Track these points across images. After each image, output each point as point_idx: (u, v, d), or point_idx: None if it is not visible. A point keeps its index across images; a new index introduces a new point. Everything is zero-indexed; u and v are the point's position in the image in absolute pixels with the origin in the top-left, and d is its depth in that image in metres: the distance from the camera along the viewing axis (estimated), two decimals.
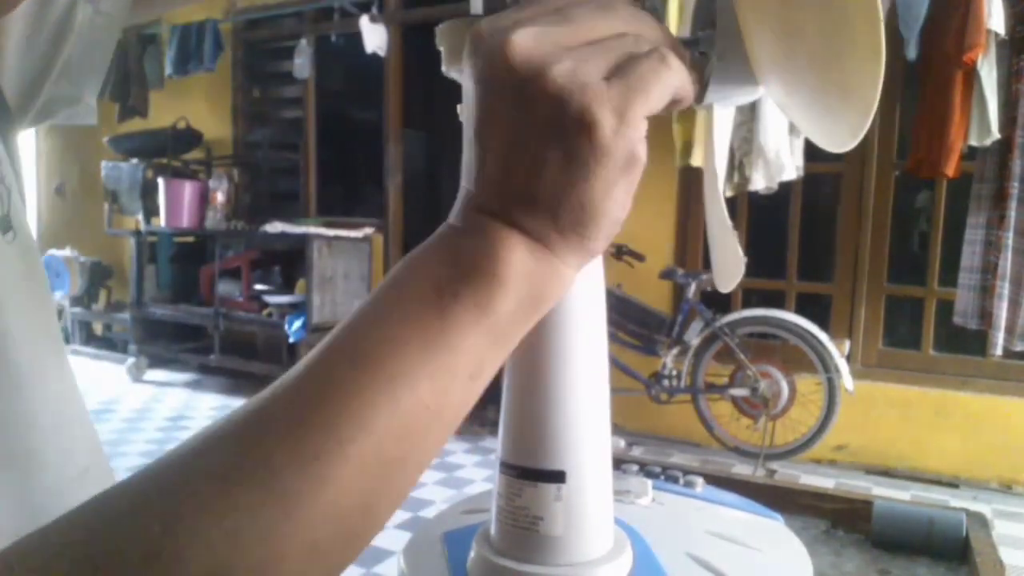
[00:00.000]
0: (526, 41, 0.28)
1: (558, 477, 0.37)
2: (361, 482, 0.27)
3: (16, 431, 0.42)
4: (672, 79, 0.30)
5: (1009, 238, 2.76)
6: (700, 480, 0.54)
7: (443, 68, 0.39)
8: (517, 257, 0.30)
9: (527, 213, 0.30)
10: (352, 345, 0.28)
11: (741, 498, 0.53)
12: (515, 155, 0.29)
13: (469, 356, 0.30)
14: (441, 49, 0.39)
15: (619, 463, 0.65)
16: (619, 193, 0.30)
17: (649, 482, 0.51)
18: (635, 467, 0.62)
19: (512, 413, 0.38)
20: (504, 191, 0.30)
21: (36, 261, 0.47)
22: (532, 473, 0.37)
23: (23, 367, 0.43)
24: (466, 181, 0.31)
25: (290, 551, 0.25)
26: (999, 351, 2.81)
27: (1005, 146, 2.75)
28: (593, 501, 0.38)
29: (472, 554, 0.39)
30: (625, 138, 0.29)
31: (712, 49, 0.39)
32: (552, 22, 0.29)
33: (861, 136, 0.34)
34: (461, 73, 0.33)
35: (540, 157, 0.29)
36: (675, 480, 0.55)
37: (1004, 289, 2.78)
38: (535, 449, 0.37)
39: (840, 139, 0.36)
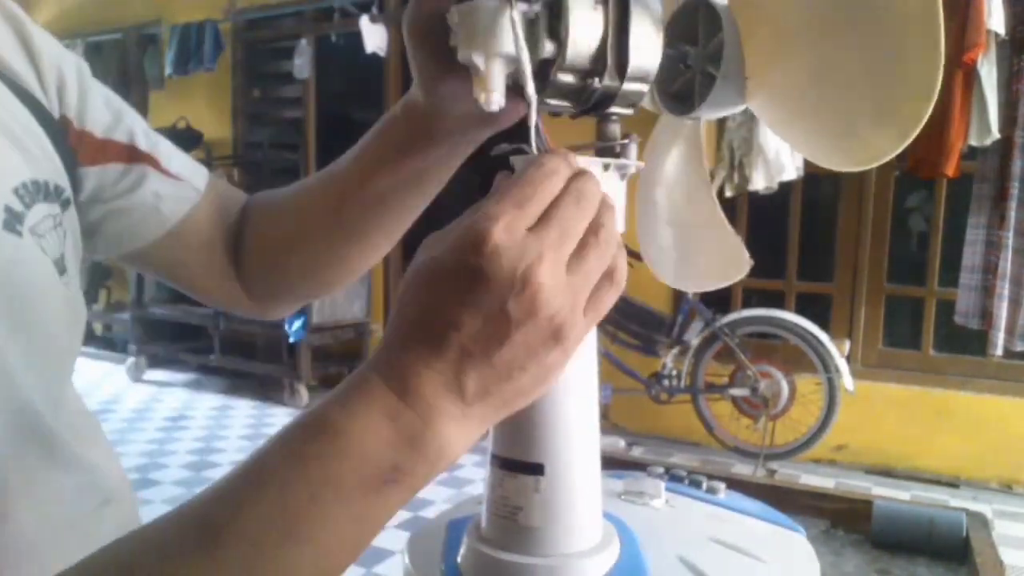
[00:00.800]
0: (548, 279, 0.32)
1: (536, 469, 0.37)
2: None
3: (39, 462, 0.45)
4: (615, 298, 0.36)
5: (1009, 238, 2.76)
6: (722, 486, 0.54)
7: (459, 55, 0.38)
8: (460, 439, 0.33)
9: (481, 403, 0.33)
10: (284, 519, 0.30)
11: (764, 506, 0.52)
12: (501, 348, 0.32)
13: (390, 517, 0.33)
14: (458, 32, 0.37)
15: (643, 466, 0.65)
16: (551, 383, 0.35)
17: (662, 484, 0.51)
18: (659, 470, 0.62)
19: None
20: (477, 377, 0.32)
21: (82, 298, 0.50)
22: (512, 464, 0.38)
23: (45, 415, 0.46)
24: (402, 342, 0.33)
25: None
26: (999, 351, 2.81)
27: (1005, 146, 2.75)
28: (574, 496, 0.38)
29: (463, 541, 0.40)
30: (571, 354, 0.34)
31: (715, 68, 0.43)
32: (573, 271, 0.34)
33: (902, 147, 0.37)
34: (479, 57, 0.36)
35: (521, 364, 0.33)
36: (697, 485, 0.55)
37: (1004, 289, 2.78)
38: (516, 441, 0.38)
39: (866, 155, 0.39)
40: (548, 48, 0.37)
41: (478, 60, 0.37)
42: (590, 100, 0.39)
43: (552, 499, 0.37)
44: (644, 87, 0.39)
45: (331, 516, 0.30)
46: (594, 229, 0.34)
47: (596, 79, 0.38)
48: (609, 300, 0.35)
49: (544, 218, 0.33)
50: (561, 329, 0.32)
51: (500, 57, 0.36)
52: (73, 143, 0.50)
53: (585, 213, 0.34)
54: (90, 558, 0.30)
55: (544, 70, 0.38)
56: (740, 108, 0.45)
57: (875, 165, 0.38)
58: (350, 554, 0.31)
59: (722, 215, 0.51)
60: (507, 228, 0.32)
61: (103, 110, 0.53)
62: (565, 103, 0.40)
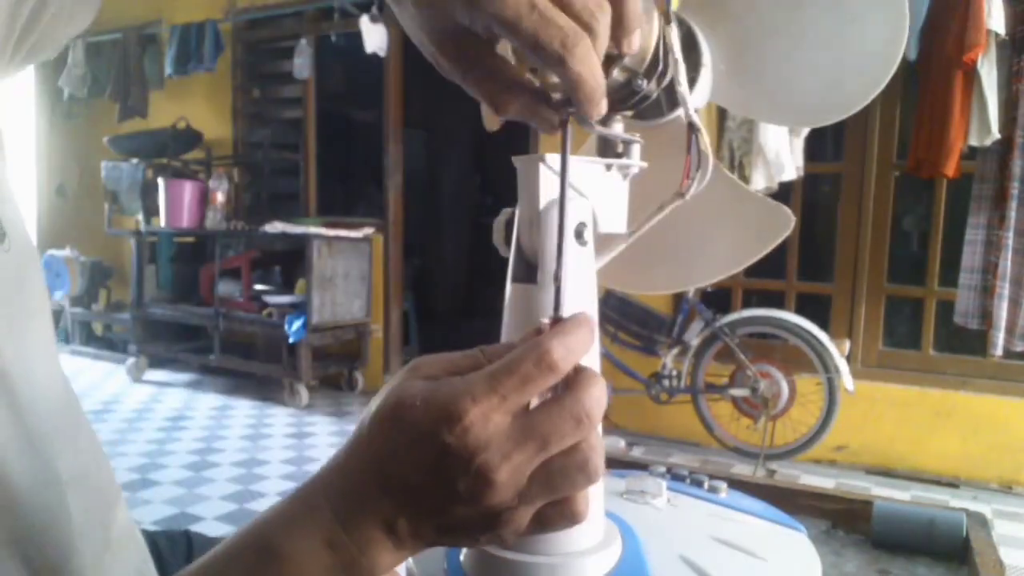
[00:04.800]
0: (503, 477, 0.33)
1: None
2: None
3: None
4: (587, 484, 0.34)
5: (1009, 238, 2.76)
6: (724, 485, 0.54)
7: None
8: (390, 563, 0.36)
9: (415, 541, 0.36)
10: None
11: (766, 506, 0.52)
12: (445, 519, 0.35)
13: None
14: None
15: (644, 466, 0.65)
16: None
17: (664, 483, 0.51)
18: (661, 469, 0.62)
19: None
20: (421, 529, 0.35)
21: (32, 268, 0.45)
22: None
23: (15, 383, 0.41)
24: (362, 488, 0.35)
25: None
26: (999, 351, 2.81)
27: (1005, 146, 2.75)
28: None
29: None
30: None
31: (696, 72, 0.45)
32: (531, 455, 0.33)
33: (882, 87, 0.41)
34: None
35: (462, 527, 0.35)
36: (699, 484, 0.55)
37: (1004, 289, 2.78)
38: None
39: (849, 103, 0.41)
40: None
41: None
42: (627, 100, 0.40)
43: None
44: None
45: None
46: (578, 447, 0.34)
47: (644, 81, 0.39)
48: (579, 488, 0.35)
49: (532, 425, 0.33)
50: (499, 519, 0.34)
51: None
52: None
53: (577, 435, 0.33)
54: None
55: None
56: (706, 99, 0.46)
57: (858, 109, 0.42)
58: None
59: (744, 185, 0.51)
60: (483, 415, 0.33)
61: None
62: None
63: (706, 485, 0.55)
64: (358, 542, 0.35)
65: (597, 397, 0.34)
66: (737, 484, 0.64)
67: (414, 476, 0.34)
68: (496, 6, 0.35)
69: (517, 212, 0.41)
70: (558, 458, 0.34)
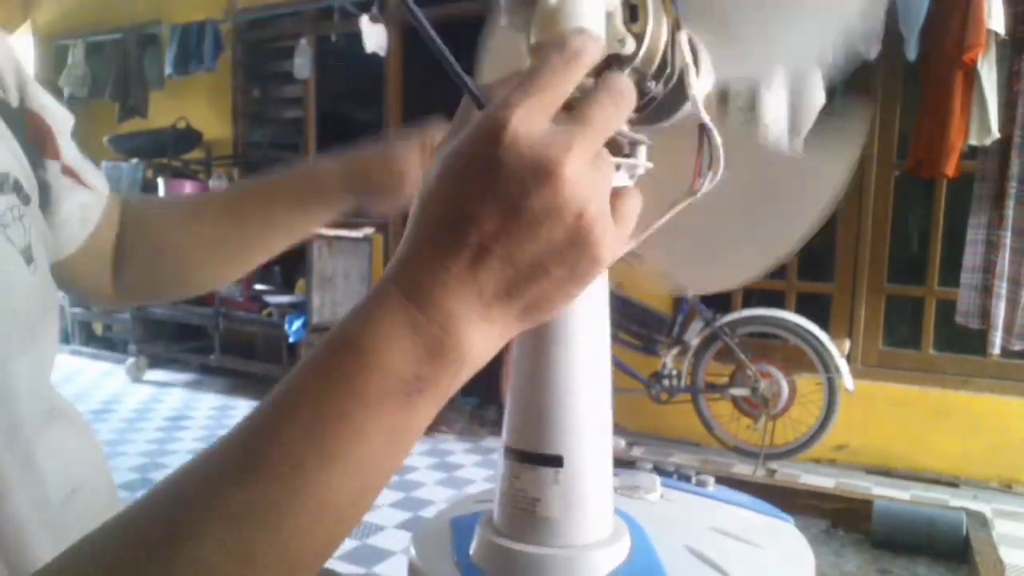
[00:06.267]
0: (570, 170, 0.30)
1: (555, 461, 0.38)
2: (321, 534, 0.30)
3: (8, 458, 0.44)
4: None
5: (1008, 238, 2.77)
6: (711, 480, 0.55)
7: (504, 20, 0.38)
8: (481, 344, 0.32)
9: (502, 304, 0.31)
10: (320, 437, 0.29)
11: (752, 498, 0.53)
12: (514, 254, 0.31)
13: (423, 426, 0.32)
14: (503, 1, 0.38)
15: (631, 463, 0.65)
16: (578, 292, 0.33)
17: (658, 479, 0.52)
18: (648, 465, 0.63)
19: (516, 400, 0.39)
20: (494, 286, 0.31)
21: (53, 289, 0.51)
22: (531, 457, 0.38)
23: (22, 403, 0.45)
24: (421, 253, 0.31)
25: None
26: (997, 350, 2.81)
27: (1005, 146, 2.76)
28: (591, 487, 0.39)
29: (476, 535, 0.40)
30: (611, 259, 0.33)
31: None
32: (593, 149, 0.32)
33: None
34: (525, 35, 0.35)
35: (544, 264, 0.31)
36: (687, 479, 0.56)
37: (1002, 289, 2.78)
38: (535, 434, 0.39)
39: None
40: (630, 45, 0.37)
41: (515, 31, 0.37)
42: (636, 102, 0.40)
43: (570, 489, 0.38)
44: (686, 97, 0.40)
45: (363, 431, 0.29)
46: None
47: (653, 82, 0.39)
48: (634, 206, 0.34)
49: (579, 113, 0.32)
50: (591, 231, 0.31)
51: None
52: (31, 135, 0.52)
53: (622, 116, 0.33)
54: (143, 496, 0.29)
55: (599, 68, 0.38)
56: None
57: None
58: (387, 468, 0.31)
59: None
60: (527, 115, 0.30)
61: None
62: None
63: (693, 479, 0.56)
64: (439, 321, 0.30)
65: (624, 79, 0.34)
66: (737, 484, 0.65)
67: (480, 210, 0.30)
68: None
69: None
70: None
